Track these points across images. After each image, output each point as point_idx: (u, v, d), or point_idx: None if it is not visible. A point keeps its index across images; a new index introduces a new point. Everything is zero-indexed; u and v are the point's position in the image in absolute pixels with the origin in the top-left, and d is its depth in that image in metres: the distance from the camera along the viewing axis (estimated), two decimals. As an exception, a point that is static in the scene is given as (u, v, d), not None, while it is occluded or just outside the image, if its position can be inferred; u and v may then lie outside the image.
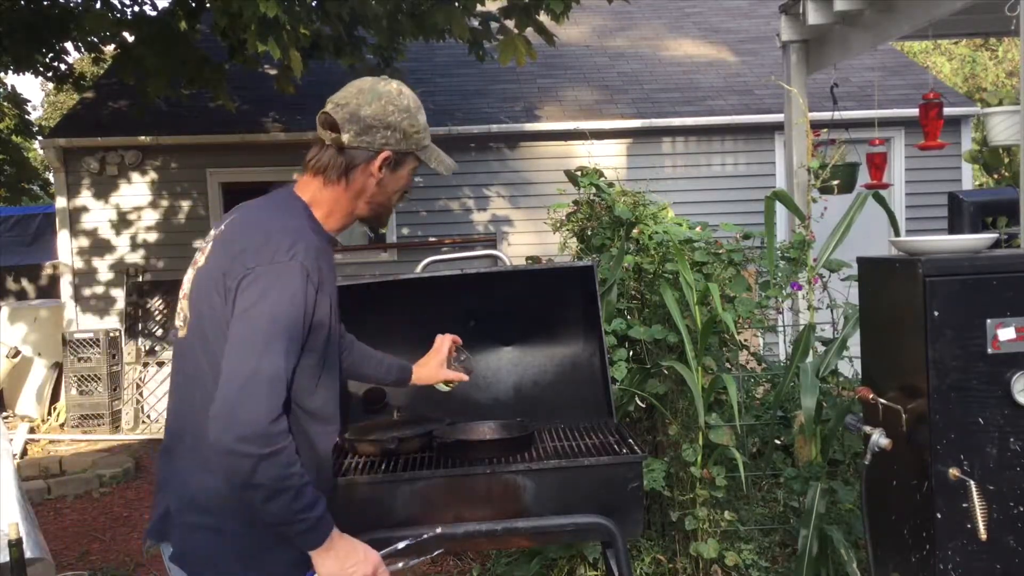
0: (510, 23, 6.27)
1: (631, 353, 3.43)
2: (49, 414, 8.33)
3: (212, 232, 1.82)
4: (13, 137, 10.92)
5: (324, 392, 1.76)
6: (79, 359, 7.95)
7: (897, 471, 2.24)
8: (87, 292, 8.72)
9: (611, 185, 3.83)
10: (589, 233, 3.79)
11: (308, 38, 5.73)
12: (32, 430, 7.78)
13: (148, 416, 8.11)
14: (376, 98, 1.76)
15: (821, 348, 3.43)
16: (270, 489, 1.55)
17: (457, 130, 8.62)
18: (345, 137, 1.74)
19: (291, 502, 1.58)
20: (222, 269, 1.67)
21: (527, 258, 4.36)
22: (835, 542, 3.04)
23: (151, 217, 8.79)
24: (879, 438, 2.23)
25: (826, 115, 5.09)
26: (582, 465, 2.18)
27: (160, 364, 8.22)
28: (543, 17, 6.17)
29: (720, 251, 3.49)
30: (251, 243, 1.65)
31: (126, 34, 6.92)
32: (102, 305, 8.72)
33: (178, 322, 1.81)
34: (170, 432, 1.80)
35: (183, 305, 1.78)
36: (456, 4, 6.23)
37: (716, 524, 3.29)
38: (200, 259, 1.77)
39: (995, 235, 2.30)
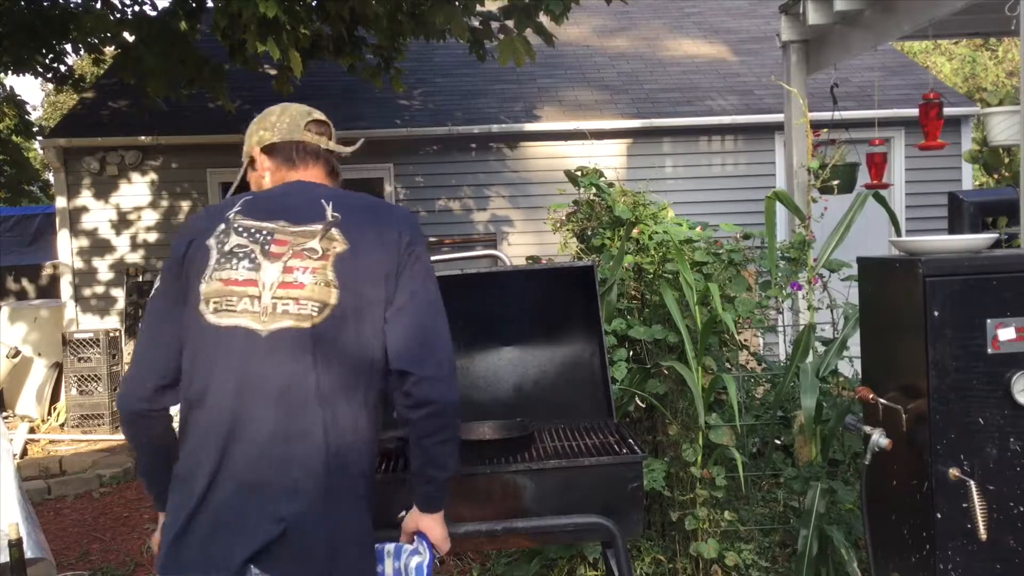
0: (510, 23, 6.26)
1: (631, 353, 3.43)
2: (49, 414, 8.33)
3: (276, 223, 1.77)
4: (13, 137, 10.91)
5: None
6: (79, 359, 7.95)
7: (897, 471, 2.24)
8: (87, 292, 8.72)
9: (611, 185, 3.83)
10: (589, 233, 3.79)
11: (308, 38, 5.72)
12: (32, 430, 7.78)
13: (148, 416, 8.10)
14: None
15: (821, 348, 3.43)
16: (459, 441, 1.83)
17: (457, 130, 8.62)
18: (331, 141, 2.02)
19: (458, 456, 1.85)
20: (381, 261, 1.75)
21: (527, 258, 4.36)
22: (835, 542, 3.04)
23: (151, 217, 8.79)
24: (879, 438, 2.23)
25: (826, 115, 5.09)
26: (582, 465, 2.18)
27: (160, 364, 8.21)
28: (543, 18, 6.17)
29: (720, 251, 3.49)
30: (399, 231, 1.80)
31: (126, 34, 6.91)
32: (102, 305, 8.72)
33: (296, 313, 1.68)
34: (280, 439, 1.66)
35: (314, 292, 1.69)
36: (456, 4, 6.22)
37: (716, 524, 3.29)
38: (334, 245, 1.73)
39: (995, 235, 2.30)
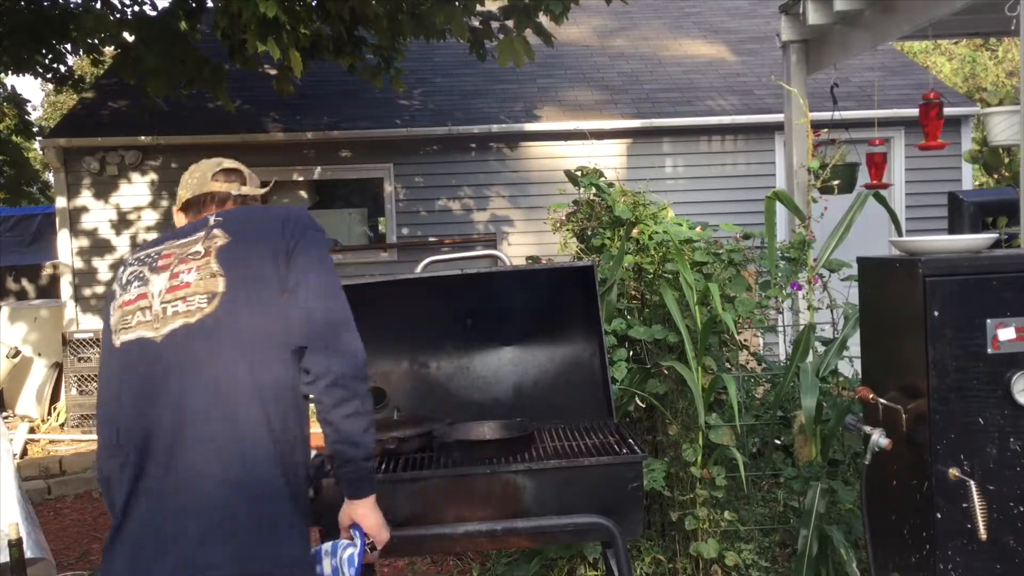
0: (510, 23, 6.26)
1: (631, 353, 3.43)
2: (49, 414, 8.32)
3: (163, 245, 1.88)
4: (13, 137, 10.90)
5: None
6: (79, 359, 7.95)
7: (897, 471, 2.24)
8: (87, 292, 8.71)
9: (611, 185, 3.83)
10: (589, 233, 3.79)
11: (308, 38, 5.72)
12: (32, 430, 7.78)
13: (148, 416, 8.10)
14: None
15: (821, 348, 3.43)
16: (372, 417, 1.77)
17: (457, 130, 8.62)
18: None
19: (374, 435, 1.79)
20: (265, 247, 1.77)
21: (527, 258, 4.36)
22: (835, 542, 3.04)
23: (151, 217, 8.79)
24: (879, 438, 2.23)
25: (826, 115, 5.09)
26: (582, 465, 2.18)
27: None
28: (542, 18, 6.17)
29: (720, 251, 3.49)
30: (279, 220, 1.84)
31: (126, 34, 6.91)
32: (102, 305, 8.71)
33: (185, 310, 1.72)
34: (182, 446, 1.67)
35: (201, 285, 1.73)
36: (456, 4, 6.22)
37: (716, 524, 3.29)
38: (216, 241, 1.80)
39: (995, 235, 2.30)
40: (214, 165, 2.05)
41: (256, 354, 1.71)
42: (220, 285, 1.73)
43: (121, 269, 1.91)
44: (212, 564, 1.60)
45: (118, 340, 1.79)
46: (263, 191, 2.08)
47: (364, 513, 1.82)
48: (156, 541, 1.63)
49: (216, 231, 1.82)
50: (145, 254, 1.88)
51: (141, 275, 1.83)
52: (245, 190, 2.02)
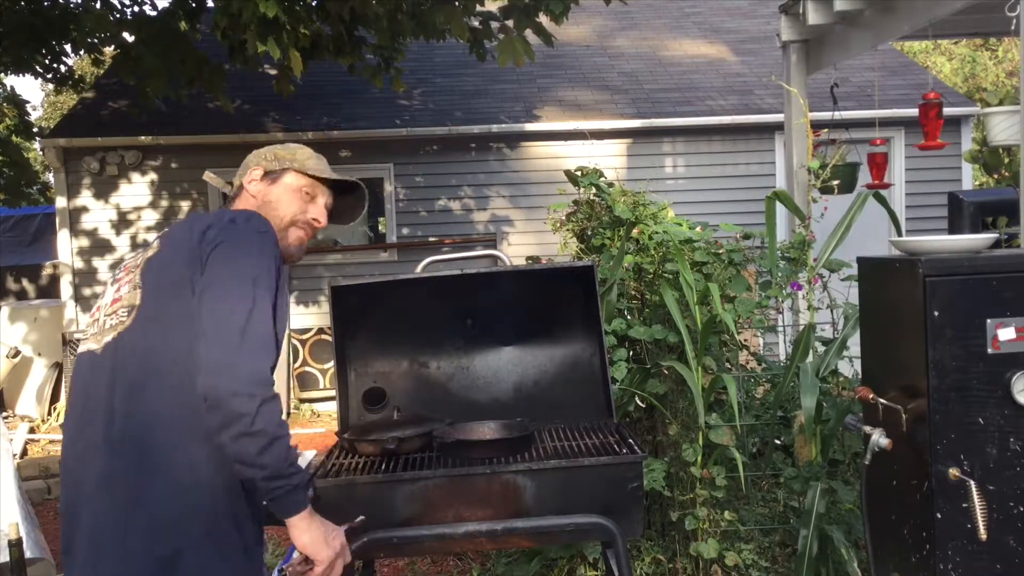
0: (510, 23, 6.27)
1: (631, 353, 3.43)
2: (49, 414, 8.32)
3: (136, 255, 1.88)
4: (13, 138, 10.90)
5: None
6: (79, 359, 7.94)
7: (897, 471, 2.24)
8: (87, 292, 8.71)
9: (611, 185, 3.83)
10: (589, 233, 3.79)
11: (308, 38, 5.72)
12: (32, 430, 7.78)
13: (148, 416, 8.10)
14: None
15: (821, 348, 3.43)
16: (270, 436, 1.58)
17: (457, 130, 8.62)
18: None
19: (286, 452, 1.61)
20: (185, 257, 1.72)
21: (527, 258, 4.35)
22: (835, 542, 3.04)
23: (151, 217, 8.79)
24: (879, 438, 2.23)
25: (826, 115, 5.09)
26: (582, 465, 2.18)
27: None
28: (542, 18, 6.17)
29: (720, 251, 3.49)
30: (206, 224, 1.76)
31: (126, 34, 6.91)
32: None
33: (116, 321, 1.75)
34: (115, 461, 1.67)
35: (126, 298, 1.76)
36: (456, 4, 6.22)
37: (716, 524, 3.29)
38: (148, 252, 1.82)
39: (995, 235, 2.30)
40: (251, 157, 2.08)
41: (160, 367, 1.67)
42: (137, 298, 1.75)
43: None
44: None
45: (79, 351, 1.85)
46: (260, 177, 2.03)
47: (295, 534, 1.69)
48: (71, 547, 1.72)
49: (156, 242, 1.83)
50: (119, 268, 1.91)
51: (105, 291, 1.89)
52: (236, 182, 2.07)
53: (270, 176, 2.04)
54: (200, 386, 1.58)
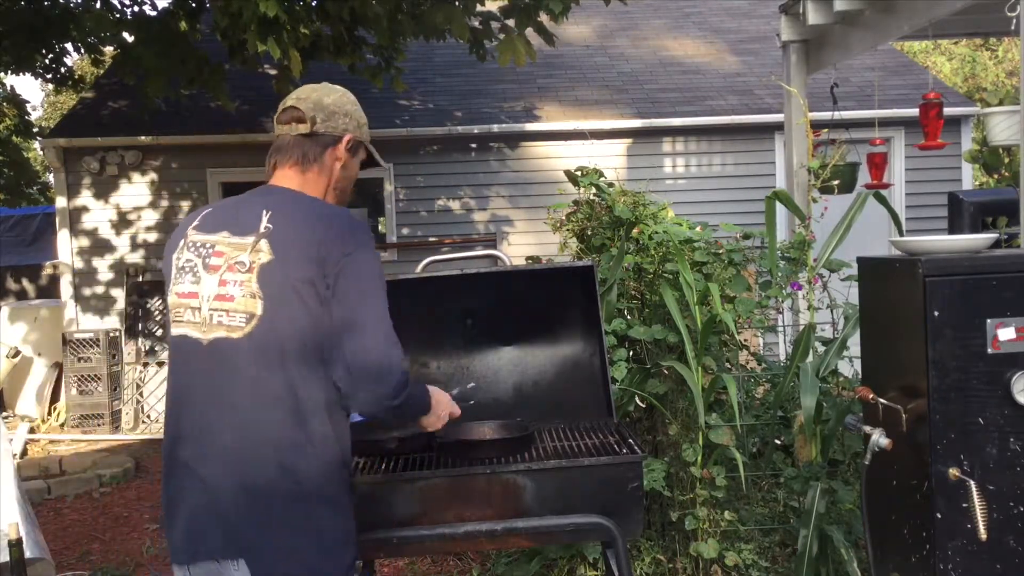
0: (510, 23, 6.27)
1: (631, 353, 3.43)
2: (49, 414, 8.33)
3: (219, 235, 1.83)
4: (13, 138, 10.91)
5: None
6: (79, 359, 7.95)
7: (897, 471, 2.24)
8: (87, 292, 8.72)
9: (611, 185, 3.83)
10: (589, 233, 3.79)
11: (308, 38, 5.73)
12: (32, 430, 7.78)
13: (148, 416, 8.11)
14: (332, 91, 2.00)
15: (821, 348, 3.43)
16: (412, 409, 1.92)
17: (457, 130, 8.62)
18: (314, 120, 1.93)
19: (423, 403, 1.96)
20: (306, 267, 1.74)
21: (527, 258, 4.35)
22: (835, 542, 3.04)
23: (151, 217, 8.79)
24: (879, 438, 2.23)
25: (826, 115, 5.09)
26: (582, 465, 2.18)
27: (160, 364, 8.22)
28: (543, 17, 6.17)
29: (720, 251, 3.49)
30: (327, 234, 1.77)
31: (126, 34, 6.92)
32: (102, 305, 8.72)
33: (229, 324, 1.77)
34: (210, 434, 1.77)
35: (241, 304, 1.76)
36: (456, 4, 6.22)
37: (716, 524, 3.29)
38: (259, 256, 1.77)
39: (995, 235, 2.30)
40: (280, 108, 1.98)
41: (287, 371, 1.74)
42: (258, 308, 1.75)
43: (179, 240, 1.89)
44: (209, 536, 1.74)
45: (174, 330, 1.86)
46: (298, 129, 1.94)
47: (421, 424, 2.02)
48: (173, 509, 1.81)
49: (262, 244, 1.78)
50: (202, 241, 1.85)
51: (195, 269, 1.83)
52: (301, 128, 1.93)
53: (354, 148, 2.01)
54: (348, 386, 1.75)
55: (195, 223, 1.90)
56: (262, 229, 1.80)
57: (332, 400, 1.78)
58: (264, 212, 1.82)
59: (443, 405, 2.03)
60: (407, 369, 1.84)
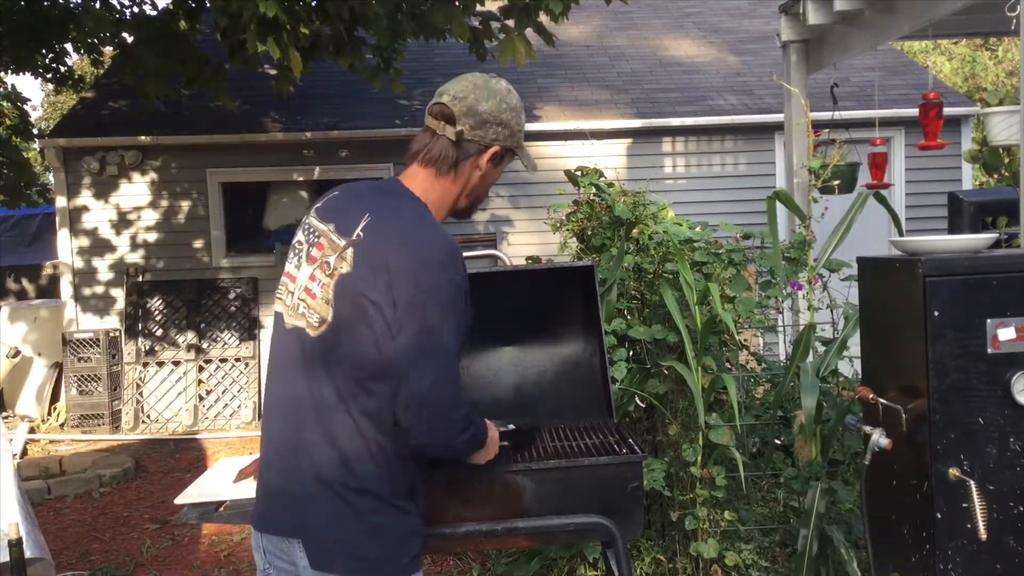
0: (510, 23, 6.27)
1: (631, 353, 3.43)
2: (49, 414, 8.33)
3: (328, 226, 1.80)
4: (13, 138, 10.90)
5: None
6: (79, 359, 7.96)
7: (897, 471, 2.24)
8: (87, 292, 8.72)
9: (611, 185, 3.83)
10: (589, 233, 3.79)
11: (308, 38, 5.73)
12: (32, 430, 7.79)
13: (148, 416, 8.11)
14: (491, 95, 1.92)
15: (821, 348, 3.43)
16: (472, 450, 1.90)
17: (457, 130, 8.60)
18: (463, 130, 1.84)
19: (481, 441, 1.89)
20: (378, 289, 1.69)
21: (527, 258, 4.35)
22: (835, 542, 3.04)
23: (151, 217, 8.79)
24: (879, 438, 2.23)
25: (826, 115, 5.09)
26: (582, 465, 2.17)
27: (160, 364, 8.23)
28: (543, 17, 6.17)
29: (720, 251, 3.49)
30: (406, 262, 1.69)
31: (126, 34, 6.92)
32: (102, 305, 8.72)
33: (307, 319, 1.78)
34: (284, 415, 1.81)
35: (318, 305, 1.75)
36: (456, 4, 6.23)
37: (716, 524, 3.29)
38: (342, 265, 1.74)
39: (995, 235, 2.30)
40: (439, 94, 1.89)
41: (340, 383, 1.73)
42: (330, 315, 1.74)
43: (305, 217, 1.89)
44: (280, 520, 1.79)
45: (275, 306, 1.91)
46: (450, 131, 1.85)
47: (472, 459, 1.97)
48: (261, 476, 1.87)
49: (348, 253, 1.73)
50: (314, 228, 1.82)
51: (300, 254, 1.83)
52: (448, 132, 1.84)
53: (499, 159, 1.93)
54: (415, 432, 1.71)
55: (319, 204, 1.88)
56: (355, 237, 1.74)
57: (386, 418, 1.73)
58: (365, 218, 1.75)
59: (495, 442, 2.00)
60: (470, 411, 1.79)
